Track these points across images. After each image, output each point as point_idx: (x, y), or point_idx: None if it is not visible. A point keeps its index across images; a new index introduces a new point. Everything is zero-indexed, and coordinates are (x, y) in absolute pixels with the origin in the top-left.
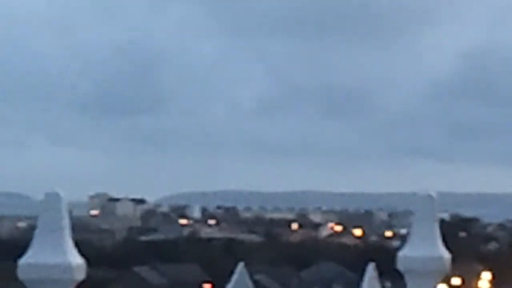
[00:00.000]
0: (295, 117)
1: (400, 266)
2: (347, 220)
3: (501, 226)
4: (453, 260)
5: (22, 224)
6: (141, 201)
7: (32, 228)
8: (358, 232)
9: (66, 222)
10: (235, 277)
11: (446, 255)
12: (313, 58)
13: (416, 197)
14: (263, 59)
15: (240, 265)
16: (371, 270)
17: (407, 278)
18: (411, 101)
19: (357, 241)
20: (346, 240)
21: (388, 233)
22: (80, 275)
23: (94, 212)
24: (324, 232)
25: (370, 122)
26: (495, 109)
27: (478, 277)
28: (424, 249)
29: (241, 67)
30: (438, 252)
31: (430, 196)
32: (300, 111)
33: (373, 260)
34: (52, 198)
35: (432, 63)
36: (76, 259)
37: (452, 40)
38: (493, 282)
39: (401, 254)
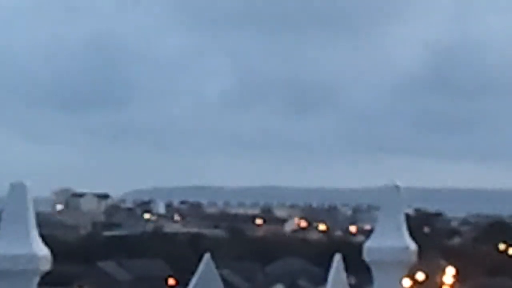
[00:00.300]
0: (261, 111)
1: (366, 257)
2: (312, 215)
3: (465, 220)
4: (417, 254)
5: None
6: (105, 196)
7: None
8: (322, 227)
9: (31, 213)
10: (201, 268)
11: (412, 245)
12: (279, 52)
13: (383, 188)
14: (229, 53)
15: (206, 256)
16: (337, 261)
17: (373, 269)
18: (376, 95)
19: (322, 236)
20: (310, 235)
21: (353, 228)
22: (46, 266)
23: (58, 207)
24: (288, 227)
25: (335, 117)
26: (460, 103)
27: (442, 271)
28: (390, 239)
29: (207, 61)
30: (404, 242)
31: (396, 186)
32: (265, 106)
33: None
34: (18, 188)
35: (398, 57)
36: (42, 250)
37: (418, 34)
38: (457, 277)
39: (367, 245)
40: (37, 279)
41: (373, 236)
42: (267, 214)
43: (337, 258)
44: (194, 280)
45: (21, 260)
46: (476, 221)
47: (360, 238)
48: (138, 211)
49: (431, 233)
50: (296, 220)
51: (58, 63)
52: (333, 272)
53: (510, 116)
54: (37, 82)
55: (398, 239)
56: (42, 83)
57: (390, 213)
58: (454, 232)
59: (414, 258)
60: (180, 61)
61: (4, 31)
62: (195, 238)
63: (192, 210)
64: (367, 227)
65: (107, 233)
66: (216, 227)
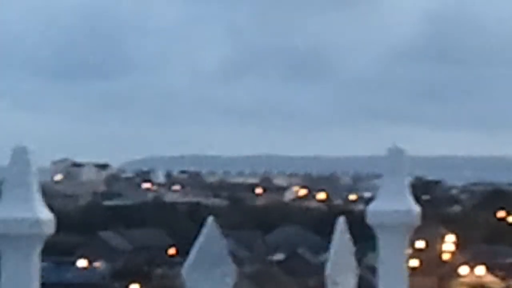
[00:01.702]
0: (258, 80)
1: (369, 220)
2: (311, 183)
3: (465, 188)
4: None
5: None
6: (105, 166)
7: None
8: (322, 195)
9: (34, 177)
10: (205, 231)
11: (416, 208)
12: (276, 20)
13: (386, 151)
14: (226, 22)
15: (210, 219)
16: (341, 223)
17: (377, 232)
18: (375, 63)
19: (321, 204)
20: (310, 203)
21: (352, 197)
22: (49, 230)
23: (57, 177)
24: (288, 196)
25: (334, 85)
26: (459, 71)
27: (442, 239)
28: (393, 202)
29: (204, 30)
30: (408, 205)
31: (400, 149)
32: (263, 74)
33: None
34: (20, 152)
35: (395, 25)
36: (45, 214)
37: (416, 1)
38: (456, 244)
39: (370, 208)
40: (41, 244)
41: (376, 199)
42: (266, 183)
43: (341, 220)
44: (197, 244)
45: (25, 224)
46: (476, 189)
47: (360, 206)
48: (138, 180)
49: (431, 201)
50: (295, 188)
51: (56, 33)
52: (338, 234)
53: (508, 84)
54: (34, 52)
55: (401, 202)
56: (39, 52)
57: (393, 176)
58: (454, 200)
59: (417, 220)
60: (177, 30)
61: None
62: (194, 208)
63: (191, 180)
64: (367, 195)
65: (107, 203)
66: (215, 196)
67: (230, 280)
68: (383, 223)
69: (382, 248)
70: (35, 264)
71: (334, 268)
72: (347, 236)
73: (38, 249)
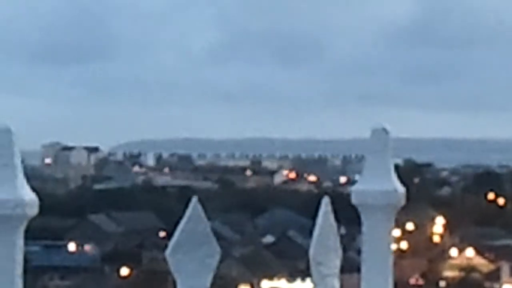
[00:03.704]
0: (248, 63)
1: (354, 200)
2: (301, 166)
3: (455, 171)
4: (407, 205)
5: None
6: (95, 149)
7: None
8: (312, 178)
9: (17, 158)
10: (188, 212)
11: (400, 188)
12: (264, 4)
13: (370, 131)
14: (214, 5)
15: (194, 200)
16: (325, 203)
17: (361, 212)
18: (363, 46)
19: (311, 187)
20: (300, 186)
21: (342, 179)
22: (33, 211)
23: (47, 161)
24: (278, 179)
25: (323, 67)
26: (447, 53)
27: (432, 221)
28: (378, 182)
29: (192, 13)
30: (393, 185)
31: (384, 129)
32: (252, 58)
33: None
34: (3, 133)
35: (385, 8)
36: (28, 195)
37: None
38: (446, 226)
39: (354, 188)
40: (24, 225)
41: (361, 179)
42: (256, 165)
43: (325, 201)
44: (181, 225)
45: (7, 205)
46: (466, 171)
47: (350, 189)
48: (128, 164)
49: (421, 184)
50: (285, 171)
51: (42, 17)
52: (321, 214)
53: (497, 65)
54: (22, 37)
55: (386, 182)
56: (27, 37)
57: (377, 156)
58: (444, 182)
59: (402, 201)
60: (165, 13)
61: None
62: (185, 190)
63: (181, 163)
64: (357, 177)
65: (97, 186)
66: (205, 179)
67: (213, 261)
68: (368, 203)
69: (366, 228)
70: (19, 245)
71: (318, 248)
72: (331, 216)
73: (22, 230)
